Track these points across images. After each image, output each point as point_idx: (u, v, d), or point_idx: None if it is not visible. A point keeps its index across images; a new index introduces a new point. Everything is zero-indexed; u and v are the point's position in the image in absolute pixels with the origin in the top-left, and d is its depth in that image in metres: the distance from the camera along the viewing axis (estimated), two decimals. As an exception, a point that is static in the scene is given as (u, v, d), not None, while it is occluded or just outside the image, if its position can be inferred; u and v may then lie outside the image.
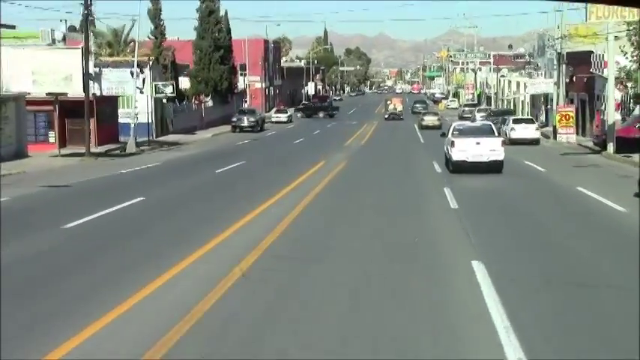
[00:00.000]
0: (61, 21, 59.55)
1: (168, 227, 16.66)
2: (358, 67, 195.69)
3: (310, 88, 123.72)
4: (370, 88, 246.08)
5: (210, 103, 71.93)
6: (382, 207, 19.91)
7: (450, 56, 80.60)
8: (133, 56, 59.48)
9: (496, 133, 28.93)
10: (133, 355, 7.68)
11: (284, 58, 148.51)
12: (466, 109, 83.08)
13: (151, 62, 56.50)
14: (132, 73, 44.08)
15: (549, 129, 52.02)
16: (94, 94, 43.08)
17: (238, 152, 42.51)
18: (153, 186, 25.27)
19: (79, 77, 36.67)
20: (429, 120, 66.02)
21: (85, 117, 37.34)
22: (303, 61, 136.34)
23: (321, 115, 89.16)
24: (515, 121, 46.27)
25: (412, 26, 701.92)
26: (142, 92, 45.51)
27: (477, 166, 26.71)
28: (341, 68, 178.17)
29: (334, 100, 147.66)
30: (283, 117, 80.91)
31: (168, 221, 17.58)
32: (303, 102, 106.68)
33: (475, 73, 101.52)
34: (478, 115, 63.80)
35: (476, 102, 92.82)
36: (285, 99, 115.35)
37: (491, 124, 32.91)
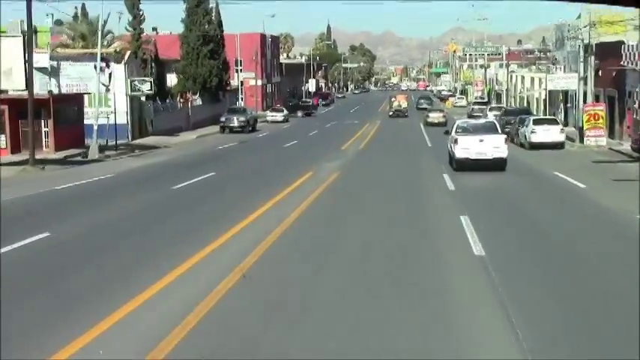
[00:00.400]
0: (47, 15, 54.05)
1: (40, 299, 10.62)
2: (362, 63, 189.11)
3: (311, 86, 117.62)
4: (375, 86, 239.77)
5: (198, 102, 65.91)
6: (376, 260, 13.70)
7: (459, 50, 73.86)
8: (112, 50, 54.02)
9: (499, 130, 28.42)
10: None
11: (284, 55, 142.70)
12: (475, 107, 76.83)
13: (126, 56, 50.61)
14: (96, 68, 38.00)
15: (570, 130, 45.96)
16: (50, 91, 37.08)
17: (216, 159, 36.52)
18: (76, 212, 19.17)
19: (20, 71, 30.55)
20: (434, 117, 64.03)
21: (29, 118, 31.37)
22: (304, 57, 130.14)
23: (299, 114, 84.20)
24: (537, 122, 40.02)
25: (418, 24, 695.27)
26: (108, 90, 39.50)
27: (481, 164, 26.32)
28: (344, 65, 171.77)
29: (337, 97, 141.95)
30: (279, 116, 74.92)
31: (46, 287, 11.49)
32: (289, 100, 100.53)
33: (485, 69, 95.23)
34: (490, 115, 57.65)
35: (485, 99, 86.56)
36: (284, 97, 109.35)
37: (494, 121, 31.95)
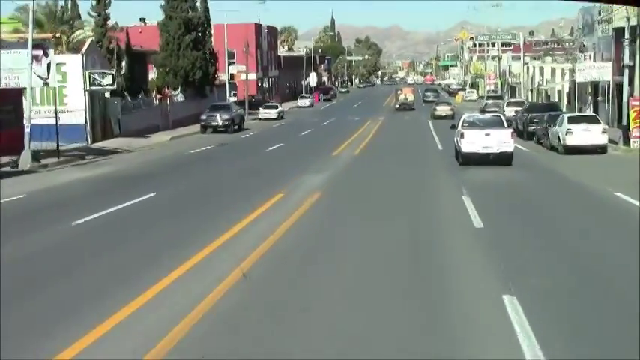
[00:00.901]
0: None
1: None
2: (367, 56, 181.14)
3: (312, 79, 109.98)
4: (381, 80, 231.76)
5: (180, 98, 58.36)
6: None
7: (472, 38, 66.09)
8: (72, 39, 46.63)
9: (505, 125, 27.78)
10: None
11: (284, 48, 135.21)
12: (489, 101, 69.08)
13: (86, 45, 43.17)
14: (33, 58, 30.51)
15: (604, 127, 38.22)
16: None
17: (173, 170, 29.01)
18: None
19: None
20: (442, 110, 63.13)
21: None
22: (305, 49, 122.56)
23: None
24: (573, 121, 32.26)
25: (425, 18, 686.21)
26: (45, 83, 32.01)
27: (487, 158, 26.04)
28: (348, 58, 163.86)
29: (341, 91, 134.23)
30: (272, 113, 67.43)
31: None
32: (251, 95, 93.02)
33: (499, 60, 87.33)
34: (509, 110, 50.14)
35: (499, 93, 78.78)
36: (283, 91, 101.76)
37: (501, 115, 30.70)
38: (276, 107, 68.71)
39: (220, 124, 50.64)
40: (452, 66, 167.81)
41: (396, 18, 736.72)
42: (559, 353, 7.53)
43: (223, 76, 72.89)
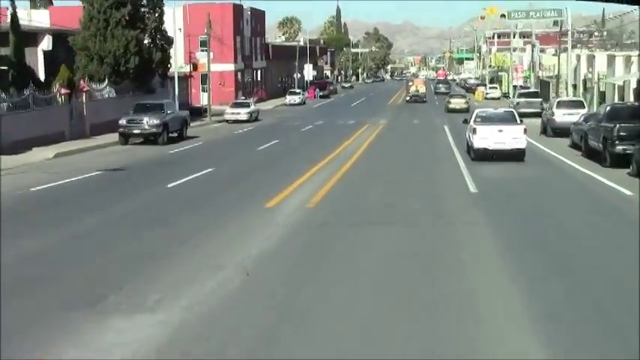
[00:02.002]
0: None
1: None
2: (374, 48, 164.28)
3: (308, 73, 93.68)
4: (391, 75, 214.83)
5: (108, 93, 42.28)
6: None
7: (503, 15, 49.45)
8: None
9: (518, 121, 26.54)
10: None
11: (280, 38, 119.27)
12: (521, 100, 53.00)
13: None
14: None
15: None
16: None
17: None
18: None
19: None
20: (456, 102, 59.57)
21: None
22: (302, 38, 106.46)
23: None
24: None
25: (437, 14, 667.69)
26: None
27: (499, 154, 25.05)
28: (353, 50, 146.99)
29: (344, 86, 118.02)
30: (242, 114, 51.46)
31: None
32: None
33: (532, 49, 70.65)
34: (561, 114, 34.53)
35: (532, 89, 62.20)
36: (274, 86, 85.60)
37: (513, 110, 29.75)
38: (248, 106, 52.67)
39: (148, 131, 34.73)
40: (467, 59, 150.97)
41: (408, 14, 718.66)
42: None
43: (186, 66, 57.03)
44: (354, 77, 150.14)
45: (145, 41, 45.54)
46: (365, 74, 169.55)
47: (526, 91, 56.74)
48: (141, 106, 36.65)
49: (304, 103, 74.79)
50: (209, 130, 46.14)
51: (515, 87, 71.49)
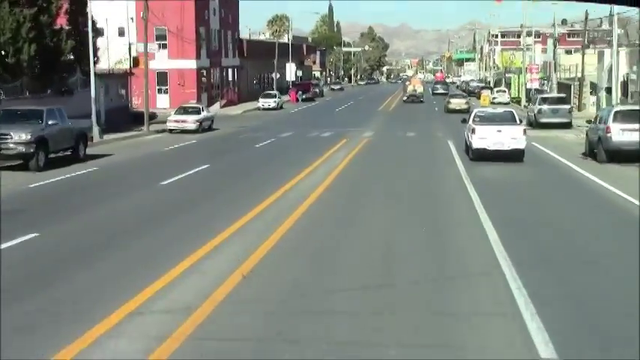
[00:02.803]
0: None
1: None
2: (367, 47, 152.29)
3: (290, 72, 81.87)
4: (388, 78, 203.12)
5: (-9, 95, 30.54)
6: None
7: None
8: None
9: (518, 120, 26.23)
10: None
11: (264, 35, 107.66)
12: (544, 107, 41.61)
13: None
14: None
15: None
16: None
17: None
18: None
19: None
20: (456, 103, 56.97)
21: None
22: (287, 35, 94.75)
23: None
24: None
25: (435, 17, 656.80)
26: None
27: (498, 154, 24.13)
28: (345, 49, 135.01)
29: (333, 89, 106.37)
30: (190, 122, 39.97)
31: None
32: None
33: (555, 45, 58.84)
34: (630, 136, 23.12)
35: (554, 93, 50.30)
36: (250, 87, 73.99)
37: (513, 110, 28.35)
38: (197, 112, 41.00)
39: (11, 150, 23.14)
40: (468, 60, 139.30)
41: (405, 17, 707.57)
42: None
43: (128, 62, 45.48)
44: (346, 79, 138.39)
45: (59, 27, 34.00)
46: (359, 76, 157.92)
47: (550, 95, 44.95)
48: (8, 114, 24.92)
49: (281, 107, 63.22)
50: (138, 143, 34.55)
51: (529, 91, 59.90)
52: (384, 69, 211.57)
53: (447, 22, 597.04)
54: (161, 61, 58.49)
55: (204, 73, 61.47)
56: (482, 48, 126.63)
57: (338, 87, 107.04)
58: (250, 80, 76.32)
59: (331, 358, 7.17)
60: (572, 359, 7.12)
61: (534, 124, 41.30)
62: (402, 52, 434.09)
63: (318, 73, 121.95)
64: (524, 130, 25.39)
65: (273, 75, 74.82)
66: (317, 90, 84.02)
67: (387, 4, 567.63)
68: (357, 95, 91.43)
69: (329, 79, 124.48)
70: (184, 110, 41.44)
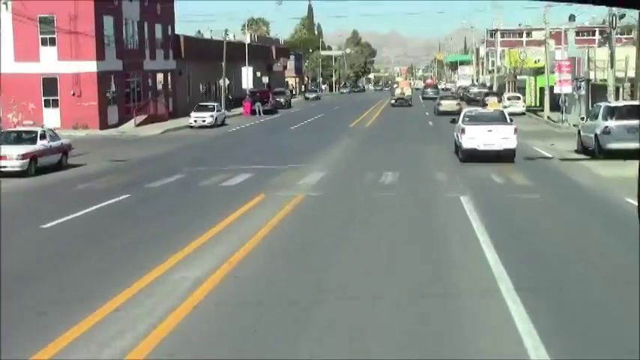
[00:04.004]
0: None
1: None
2: (348, 50, 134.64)
3: (247, 79, 64.39)
4: (376, 85, 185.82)
5: None
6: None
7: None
8: None
9: (508, 120, 24.95)
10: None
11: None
12: (615, 124, 24.26)
13: None
14: None
15: None
16: None
17: None
18: None
19: None
20: (448, 105, 52.23)
21: None
22: (243, 32, 77.48)
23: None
24: None
25: (424, 24, 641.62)
26: None
27: (488, 155, 23.14)
28: (324, 53, 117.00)
29: (307, 97, 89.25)
30: (12, 162, 22.43)
31: None
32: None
33: (610, 33, 41.32)
34: None
35: (633, 101, 32.91)
36: (192, 96, 56.73)
37: (503, 110, 28.49)
38: (32, 141, 23.64)
39: None
40: (462, 63, 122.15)
41: (394, 24, 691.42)
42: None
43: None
44: (325, 86, 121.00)
45: None
46: (342, 83, 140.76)
47: (621, 104, 27.31)
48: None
49: (222, 123, 46.15)
50: None
51: (555, 96, 42.93)
52: (371, 76, 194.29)
53: (437, 29, 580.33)
54: (48, 62, 41.41)
55: (113, 79, 44.17)
56: (477, 50, 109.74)
57: (314, 96, 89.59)
58: (194, 88, 59.07)
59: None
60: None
61: (596, 150, 24.35)
62: (392, 60, 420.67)
63: (293, 80, 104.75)
64: (515, 129, 24.06)
65: (220, 82, 57.32)
66: (282, 100, 66.69)
67: (376, 11, 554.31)
68: (332, 105, 74.21)
69: (304, 86, 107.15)
70: (11, 137, 24.14)
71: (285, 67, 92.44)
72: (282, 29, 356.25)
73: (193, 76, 59.09)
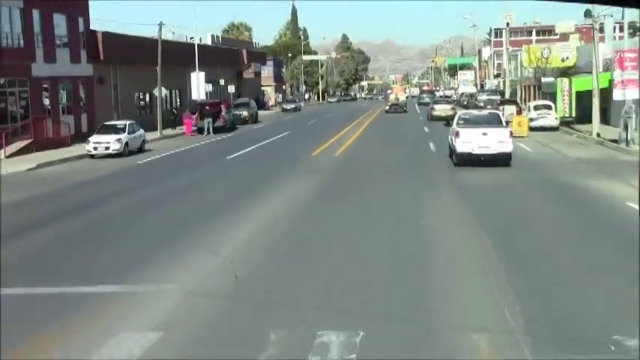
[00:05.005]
0: None
1: None
2: (334, 54, 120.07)
3: (198, 88, 50.13)
4: (369, 93, 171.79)
5: None
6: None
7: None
8: None
9: (504, 123, 24.42)
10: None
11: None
12: None
13: None
14: None
15: None
16: None
17: None
18: None
19: None
20: (441, 109, 49.18)
21: None
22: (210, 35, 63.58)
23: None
24: None
25: (419, 32, 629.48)
26: None
27: (483, 159, 22.39)
28: (306, 57, 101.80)
29: (285, 109, 75.39)
30: None
31: None
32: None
33: None
34: None
35: None
36: (124, 110, 42.73)
37: (498, 112, 27.05)
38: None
39: None
40: (463, 68, 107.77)
41: (389, 32, 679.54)
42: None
43: None
44: (308, 95, 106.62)
45: None
46: (331, 91, 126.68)
47: None
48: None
49: (139, 149, 32.21)
50: None
51: (605, 104, 29.02)
52: (365, 84, 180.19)
53: (431, 38, 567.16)
54: None
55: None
56: (480, 51, 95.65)
57: (292, 107, 75.32)
58: (125, 101, 44.93)
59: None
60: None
61: None
62: (387, 68, 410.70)
63: (272, 89, 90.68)
64: (511, 133, 23.44)
65: (155, 91, 43.03)
66: (244, 113, 52.61)
67: (371, 21, 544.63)
68: (310, 118, 60.01)
69: (280, 95, 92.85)
70: None
71: (256, 74, 78.10)
72: (269, 36, 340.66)
73: (124, 86, 45.01)
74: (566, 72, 46.11)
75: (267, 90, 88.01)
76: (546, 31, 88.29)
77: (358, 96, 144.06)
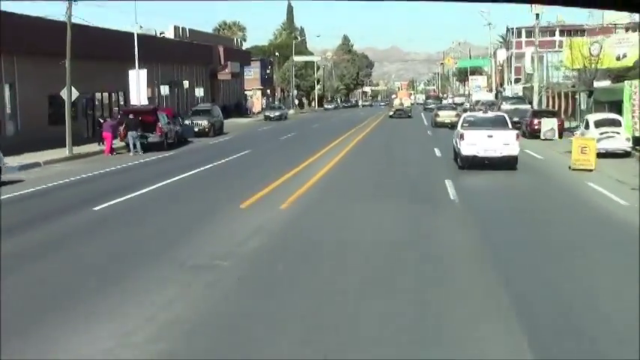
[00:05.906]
0: None
1: None
2: (329, 53, 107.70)
3: (138, 90, 38.31)
4: (374, 99, 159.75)
5: None
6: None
7: None
8: None
9: (510, 125, 22.85)
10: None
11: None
12: None
13: None
14: None
15: None
16: None
17: None
18: None
19: None
20: (446, 115, 47.65)
21: None
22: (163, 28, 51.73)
23: None
24: None
25: (425, 39, 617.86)
26: None
27: (489, 162, 21.65)
28: (297, 58, 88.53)
29: (268, 116, 63.34)
30: None
31: None
32: None
33: None
34: None
35: None
36: (26, 120, 30.49)
37: (504, 115, 25.15)
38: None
39: None
40: (474, 73, 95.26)
41: (395, 39, 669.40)
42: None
43: None
44: (299, 101, 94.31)
45: None
46: (330, 97, 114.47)
47: None
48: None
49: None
50: None
51: None
52: (368, 89, 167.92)
53: (437, 45, 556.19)
54: None
55: None
56: (494, 53, 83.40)
57: (277, 114, 63.09)
58: (33, 108, 32.91)
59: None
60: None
61: None
62: (393, 74, 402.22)
63: (259, 92, 78.54)
64: (518, 135, 22.49)
65: (63, 94, 30.73)
66: (204, 123, 40.34)
67: (376, 26, 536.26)
68: (290, 130, 47.81)
69: (272, 99, 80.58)
70: None
71: (234, 75, 65.76)
72: (268, 38, 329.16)
73: (31, 87, 32.94)
74: (623, 75, 33.86)
75: (252, 94, 75.87)
76: (571, 31, 76.40)
77: (360, 103, 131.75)
